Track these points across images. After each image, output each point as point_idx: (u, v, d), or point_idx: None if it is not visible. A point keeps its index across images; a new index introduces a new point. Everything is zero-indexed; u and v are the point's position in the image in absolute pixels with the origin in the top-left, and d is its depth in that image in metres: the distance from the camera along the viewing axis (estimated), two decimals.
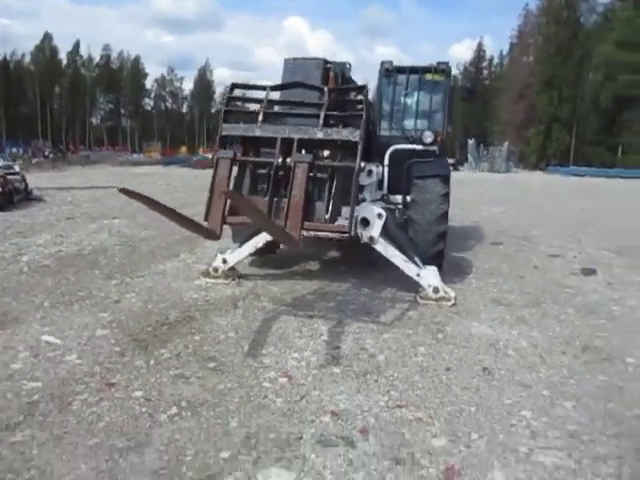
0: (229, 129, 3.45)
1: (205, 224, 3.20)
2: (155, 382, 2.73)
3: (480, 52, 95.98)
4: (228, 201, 3.20)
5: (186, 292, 4.35)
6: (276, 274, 5.08)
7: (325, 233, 3.74)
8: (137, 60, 72.60)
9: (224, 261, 4.67)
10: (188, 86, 77.04)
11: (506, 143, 43.67)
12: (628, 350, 3.44)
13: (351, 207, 3.36)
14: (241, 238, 4.74)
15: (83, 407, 2.42)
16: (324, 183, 3.40)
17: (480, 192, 17.10)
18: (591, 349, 3.46)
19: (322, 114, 3.28)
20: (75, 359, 2.96)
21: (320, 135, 3.28)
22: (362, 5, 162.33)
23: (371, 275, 5.12)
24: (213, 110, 70.91)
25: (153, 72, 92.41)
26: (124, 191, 2.51)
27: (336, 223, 3.46)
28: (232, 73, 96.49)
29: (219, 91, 71.95)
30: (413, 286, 4.45)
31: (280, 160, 3.26)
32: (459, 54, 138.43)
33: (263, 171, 3.50)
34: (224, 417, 2.39)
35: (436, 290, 4.30)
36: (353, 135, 3.25)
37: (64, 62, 65.75)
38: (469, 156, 41.49)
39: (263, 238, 4.52)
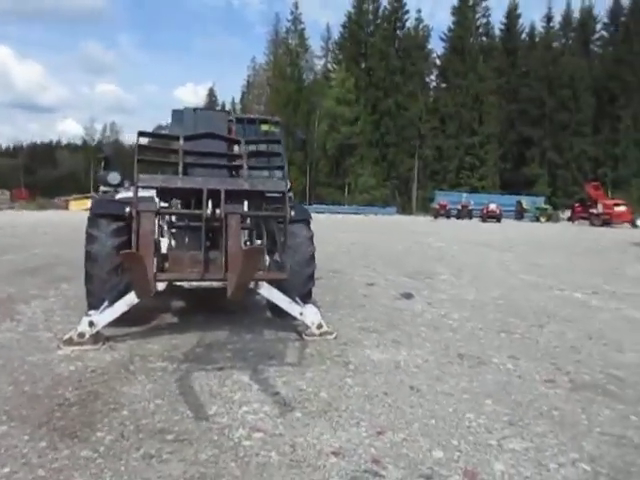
0: (147, 180, 3.18)
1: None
2: (127, 469, 2.35)
3: (212, 98, 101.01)
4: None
5: (57, 366, 3.68)
6: (139, 331, 4.64)
7: (262, 281, 3.69)
8: None
9: (91, 324, 4.09)
10: None
11: None
12: (487, 352, 4.29)
13: (284, 253, 3.43)
14: (110, 295, 4.24)
15: None
16: (251, 233, 3.40)
17: None
18: (464, 356, 4.19)
19: (245, 165, 3.30)
20: None
21: (246, 186, 3.29)
22: (79, 40, 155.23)
23: (237, 321, 5.09)
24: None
25: None
26: None
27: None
28: None
29: None
30: (282, 325, 4.77)
31: (210, 212, 3.15)
32: (184, 97, 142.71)
33: (181, 223, 3.30)
34: None
35: (319, 326, 4.58)
36: (279, 186, 3.36)
37: None
38: None
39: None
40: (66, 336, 4.17)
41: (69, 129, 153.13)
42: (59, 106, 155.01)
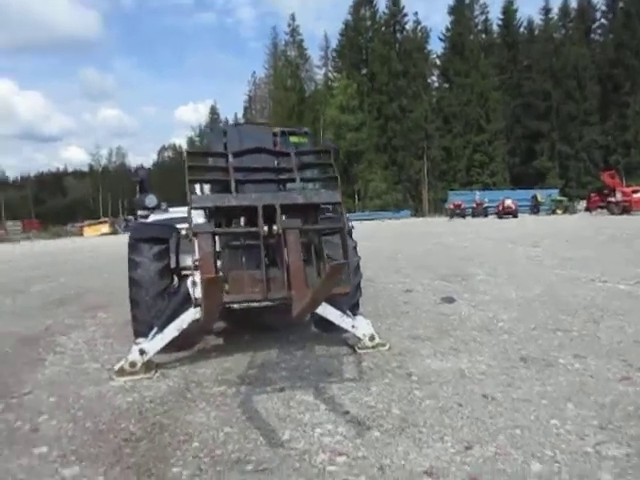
0: (200, 200, 3.08)
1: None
2: None
3: (213, 115, 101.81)
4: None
5: (113, 398, 3.58)
6: (187, 356, 4.54)
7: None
8: None
9: (142, 352, 3.99)
10: None
11: None
12: (550, 353, 4.13)
13: (349, 266, 3.32)
14: (158, 321, 4.13)
15: None
16: (309, 247, 3.28)
17: None
18: (527, 359, 4.02)
19: (297, 177, 3.20)
20: None
21: (301, 200, 3.18)
22: (77, 67, 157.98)
23: (284, 338, 4.98)
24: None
25: None
26: None
27: None
28: None
29: None
30: (331, 339, 4.73)
31: (266, 228, 3.04)
32: (186, 116, 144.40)
33: (236, 242, 3.20)
34: None
35: (372, 338, 4.44)
36: (334, 197, 3.25)
37: None
38: None
39: (188, 318, 4.03)
40: (117, 366, 4.07)
41: (74, 156, 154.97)
42: (63, 134, 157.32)
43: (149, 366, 4.04)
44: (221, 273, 3.02)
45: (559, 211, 41.18)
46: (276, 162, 3.92)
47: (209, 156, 3.62)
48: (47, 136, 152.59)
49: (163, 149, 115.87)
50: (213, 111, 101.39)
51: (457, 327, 5.16)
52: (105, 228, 53.46)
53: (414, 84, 63.58)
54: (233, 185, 3.16)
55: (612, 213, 32.24)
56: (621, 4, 64.75)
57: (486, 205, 42.70)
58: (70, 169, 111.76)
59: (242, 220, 3.41)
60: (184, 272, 4.40)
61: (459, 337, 4.77)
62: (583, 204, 42.46)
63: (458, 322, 5.37)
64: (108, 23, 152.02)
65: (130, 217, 66.52)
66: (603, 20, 67.97)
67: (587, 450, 2.55)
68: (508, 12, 69.13)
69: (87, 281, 10.82)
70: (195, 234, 2.94)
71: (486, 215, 41.83)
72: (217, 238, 3.21)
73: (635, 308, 5.62)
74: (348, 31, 68.50)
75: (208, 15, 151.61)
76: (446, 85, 68.45)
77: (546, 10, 68.48)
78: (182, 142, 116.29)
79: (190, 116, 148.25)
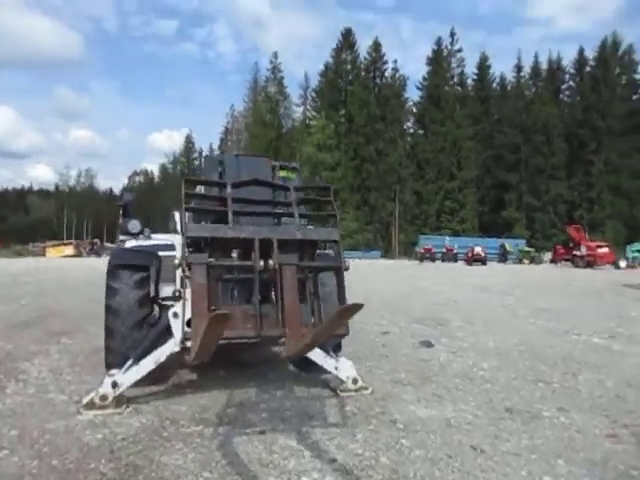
0: (196, 229, 2.97)
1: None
2: None
3: (188, 144, 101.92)
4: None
5: (82, 434, 3.33)
6: (160, 391, 4.31)
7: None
8: None
9: (114, 385, 3.76)
10: None
11: None
12: (533, 405, 4.08)
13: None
14: (134, 353, 3.92)
15: None
16: (303, 285, 3.18)
17: None
18: (512, 410, 3.96)
19: (296, 213, 3.13)
20: None
21: (299, 235, 3.10)
22: (53, 86, 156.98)
23: (261, 375, 4.81)
24: None
25: None
26: None
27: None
28: None
29: None
30: (310, 380, 4.62)
31: (262, 263, 2.94)
32: (159, 142, 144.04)
33: (229, 276, 3.08)
34: None
35: (355, 381, 4.32)
36: (333, 235, 3.19)
37: None
38: None
39: (167, 350, 3.85)
40: (86, 399, 3.83)
41: (41, 175, 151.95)
42: (31, 152, 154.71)
43: (120, 400, 3.81)
44: (213, 307, 2.89)
45: (526, 261, 42.15)
46: (272, 196, 3.85)
47: (206, 185, 3.54)
48: (14, 152, 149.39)
49: (135, 174, 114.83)
50: (188, 140, 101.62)
51: (438, 373, 5.08)
52: (69, 250, 52.11)
53: (391, 129, 65.18)
54: (230, 216, 3.06)
55: (577, 266, 33.14)
56: (588, 68, 68.36)
57: (456, 251, 43.41)
58: (35, 187, 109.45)
59: (234, 253, 3.31)
60: (165, 302, 4.22)
61: (441, 383, 4.69)
62: (548, 255, 43.60)
63: (438, 368, 5.30)
64: (89, 45, 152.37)
65: (96, 240, 65.18)
66: (571, 83, 71.49)
67: None
68: (482, 67, 72.16)
69: (51, 305, 10.38)
70: (189, 265, 2.82)
71: (456, 260, 42.50)
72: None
73: (612, 362, 5.66)
74: (328, 73, 70.21)
75: (189, 46, 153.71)
76: (421, 132, 70.40)
77: (518, 68, 71.78)
78: (154, 168, 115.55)
79: (163, 143, 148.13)
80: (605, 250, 32.93)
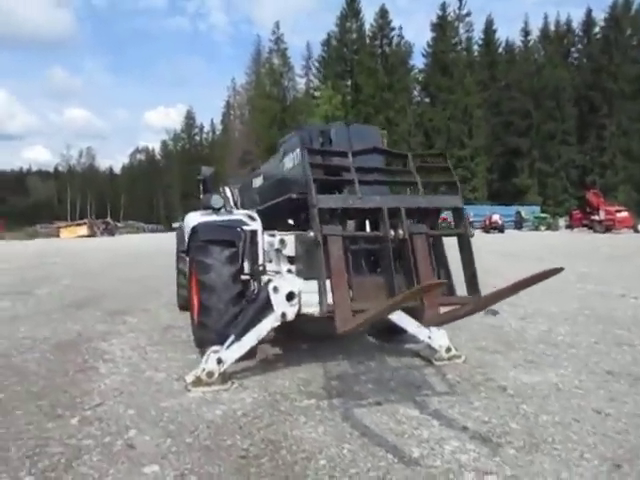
0: (325, 200, 2.91)
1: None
2: None
3: (189, 120, 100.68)
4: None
5: (200, 410, 3.34)
6: (255, 367, 4.28)
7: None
8: None
9: (219, 361, 3.76)
10: None
11: None
12: (630, 368, 4.06)
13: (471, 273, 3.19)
14: (234, 329, 3.90)
15: None
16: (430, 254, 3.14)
17: None
18: (614, 373, 3.95)
19: (419, 181, 3.07)
20: None
21: (424, 203, 3.05)
22: (45, 66, 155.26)
23: (345, 348, 4.80)
24: None
25: None
26: None
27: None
28: None
29: None
30: (395, 350, 4.67)
31: (393, 233, 2.89)
32: (155, 120, 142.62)
33: (356, 246, 3.05)
34: None
35: (448, 350, 4.32)
36: (456, 202, 3.14)
37: None
38: None
39: (268, 326, 3.83)
40: (189, 376, 3.83)
41: (38, 156, 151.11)
42: (26, 133, 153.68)
43: (225, 377, 3.82)
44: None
45: (542, 227, 41.93)
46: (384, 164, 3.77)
47: (327, 154, 3.47)
48: (9, 134, 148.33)
49: (136, 151, 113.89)
50: (189, 116, 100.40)
51: (518, 339, 5.06)
52: (83, 230, 52.20)
53: (400, 98, 64.30)
54: (357, 185, 3.00)
55: (595, 231, 32.94)
56: (597, 29, 66.81)
57: (472, 219, 43.25)
58: (34, 169, 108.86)
59: (353, 223, 3.26)
60: (267, 276, 4.19)
61: (528, 349, 4.68)
62: (563, 221, 43.34)
63: (516, 335, 5.28)
64: (80, 23, 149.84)
65: (109, 220, 65.00)
66: (580, 46, 69.98)
67: None
68: (488, 32, 70.67)
69: (91, 284, 10.44)
70: (325, 237, 2.77)
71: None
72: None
73: None
74: (332, 42, 68.97)
75: (180, 20, 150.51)
76: (427, 100, 69.42)
77: (526, 32, 70.25)
78: (155, 145, 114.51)
79: (160, 120, 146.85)
80: (624, 214, 32.67)
